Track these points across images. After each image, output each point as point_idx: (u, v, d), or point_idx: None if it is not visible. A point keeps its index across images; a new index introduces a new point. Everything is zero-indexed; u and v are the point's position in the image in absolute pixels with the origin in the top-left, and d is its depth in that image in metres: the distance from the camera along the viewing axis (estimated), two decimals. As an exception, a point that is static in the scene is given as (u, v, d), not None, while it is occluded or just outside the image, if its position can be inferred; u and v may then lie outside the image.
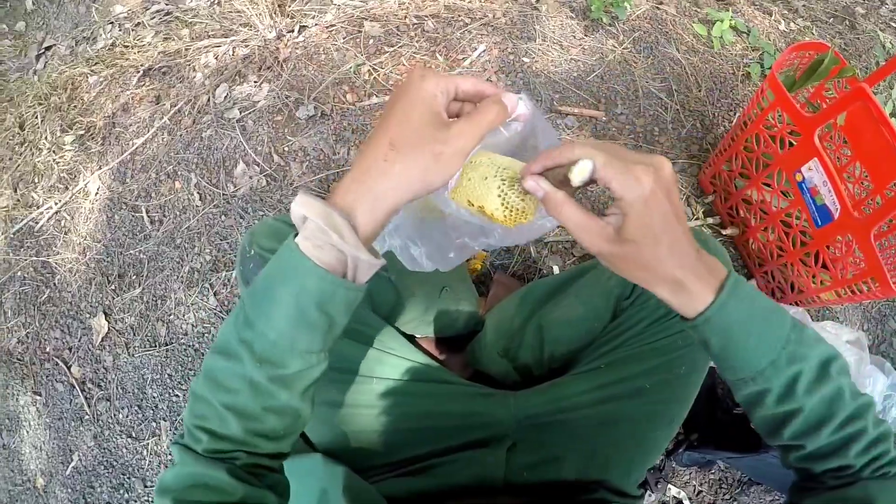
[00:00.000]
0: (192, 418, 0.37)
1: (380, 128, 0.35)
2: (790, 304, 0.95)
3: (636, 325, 0.61)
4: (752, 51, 1.33)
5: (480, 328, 0.82)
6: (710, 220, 1.06)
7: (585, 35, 1.30)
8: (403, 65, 1.20)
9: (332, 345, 0.39)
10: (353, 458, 0.61)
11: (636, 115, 1.17)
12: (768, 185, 0.91)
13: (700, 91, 1.22)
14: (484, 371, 0.78)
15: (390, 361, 0.62)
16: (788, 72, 0.95)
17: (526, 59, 1.25)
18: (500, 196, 0.40)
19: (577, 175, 0.35)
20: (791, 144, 0.82)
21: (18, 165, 1.40)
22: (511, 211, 0.41)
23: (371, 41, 1.25)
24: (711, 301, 0.36)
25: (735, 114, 1.21)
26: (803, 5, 1.47)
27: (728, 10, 1.36)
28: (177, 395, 1.04)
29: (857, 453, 0.38)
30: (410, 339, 0.82)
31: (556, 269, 1.03)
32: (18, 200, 1.35)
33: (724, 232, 1.05)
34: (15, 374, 1.23)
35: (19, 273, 1.28)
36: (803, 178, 0.81)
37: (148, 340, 1.07)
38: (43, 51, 1.62)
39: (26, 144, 1.42)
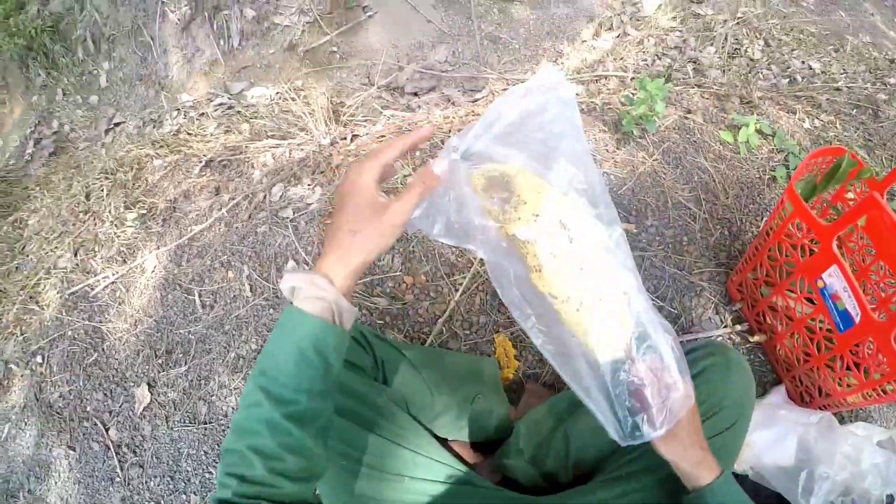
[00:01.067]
0: (224, 468, 0.47)
1: (338, 217, 0.51)
2: (818, 407, 0.98)
3: None
4: (778, 152, 1.41)
5: (510, 434, 0.88)
6: (738, 328, 1.10)
7: (618, 148, 1.39)
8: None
9: (331, 388, 0.50)
10: None
11: (665, 226, 1.23)
12: (792, 292, 0.95)
13: (727, 198, 1.28)
14: (511, 477, 0.85)
15: (423, 462, 0.71)
16: (810, 177, 1.02)
17: None
18: (597, 338, 0.52)
19: None
20: (812, 252, 0.87)
21: (80, 232, 1.58)
22: (592, 348, 0.53)
23: (417, 153, 1.45)
24: (716, 477, 0.57)
25: (762, 218, 1.26)
26: (826, 99, 1.55)
27: (753, 114, 1.45)
28: (210, 472, 1.16)
29: None
30: (443, 442, 0.91)
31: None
32: (77, 265, 1.53)
33: (751, 339, 1.09)
34: (52, 426, 1.35)
35: (70, 333, 1.43)
36: (825, 284, 0.84)
37: (188, 416, 1.21)
38: (112, 126, 1.85)
39: (90, 214, 1.61)
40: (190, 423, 1.20)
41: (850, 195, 1.02)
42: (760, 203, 1.31)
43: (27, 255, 1.68)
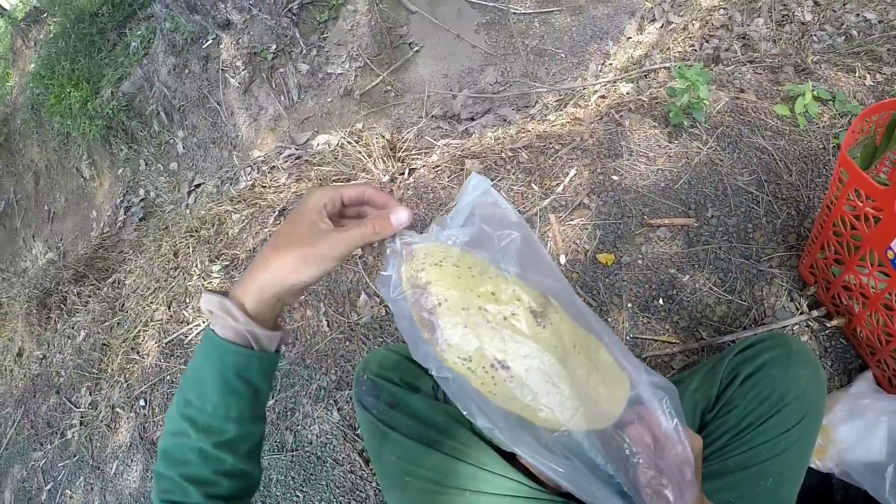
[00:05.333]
0: (159, 494, 0.51)
1: (273, 234, 0.53)
2: None
3: (720, 438, 0.70)
4: (841, 117, 1.43)
5: None
6: (815, 313, 1.12)
7: (670, 142, 1.46)
8: (504, 197, 1.63)
9: (262, 411, 0.54)
10: None
11: (727, 214, 1.27)
12: (864, 268, 0.94)
13: (791, 175, 1.31)
14: None
15: (485, 477, 0.77)
16: (867, 139, 1.01)
17: (615, 177, 1.45)
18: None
19: None
20: (877, 221, 0.86)
21: (172, 287, 1.97)
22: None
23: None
24: None
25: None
26: (887, 50, 1.57)
27: (808, 81, 1.48)
28: (297, 496, 1.42)
29: None
30: (510, 456, 1.02)
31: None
32: (171, 316, 1.90)
33: (830, 323, 1.11)
34: (155, 461, 1.67)
35: (168, 377, 1.79)
36: (895, 254, 0.84)
37: (276, 446, 1.48)
38: (193, 188, 2.29)
39: (179, 269, 2.01)
40: (278, 451, 1.47)
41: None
42: (827, 175, 1.33)
43: (126, 312, 2.11)
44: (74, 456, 1.98)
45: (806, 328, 1.15)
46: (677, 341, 1.19)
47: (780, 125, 1.43)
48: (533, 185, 1.56)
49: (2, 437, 2.34)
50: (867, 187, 0.86)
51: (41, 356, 2.44)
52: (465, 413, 0.52)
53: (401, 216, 0.52)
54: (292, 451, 1.46)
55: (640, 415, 0.52)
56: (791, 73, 1.61)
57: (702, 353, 1.18)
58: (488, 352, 0.50)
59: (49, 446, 2.10)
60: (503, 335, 0.50)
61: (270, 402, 1.55)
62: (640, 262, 1.30)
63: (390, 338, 1.48)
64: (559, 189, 1.50)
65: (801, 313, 1.14)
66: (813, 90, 1.44)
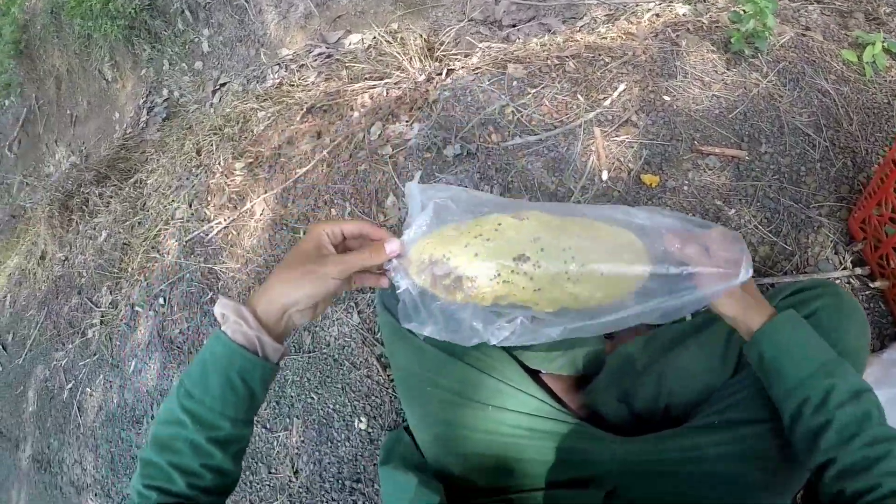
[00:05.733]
0: (142, 480, 0.56)
1: (285, 257, 0.60)
2: None
3: (757, 383, 0.69)
4: None
5: (601, 369, 0.95)
6: (858, 271, 1.11)
7: (728, 69, 1.41)
8: (546, 105, 1.49)
9: (253, 416, 0.60)
10: (459, 479, 0.78)
11: (781, 153, 1.25)
12: None
13: (851, 125, 1.28)
14: (599, 412, 0.90)
15: (508, 392, 0.77)
16: None
17: (667, 98, 1.40)
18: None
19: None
20: None
21: (194, 185, 1.91)
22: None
23: (514, 83, 1.56)
24: (768, 318, 0.63)
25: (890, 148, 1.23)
26: None
27: (880, 31, 1.41)
28: (312, 398, 1.37)
29: (886, 473, 0.52)
30: (534, 374, 0.99)
31: (687, 317, 1.19)
32: (192, 214, 1.84)
33: (872, 284, 1.09)
34: (173, 359, 1.66)
35: (188, 275, 1.74)
36: None
37: (294, 346, 1.42)
38: (218, 87, 2.19)
39: (202, 167, 1.93)
40: (295, 352, 1.41)
41: None
42: (889, 131, 1.28)
43: (147, 211, 2.06)
44: (94, 355, 1.98)
45: (847, 285, 1.13)
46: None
47: (846, 71, 1.37)
48: (578, 96, 1.47)
49: (26, 338, 2.38)
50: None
51: (63, 258, 2.44)
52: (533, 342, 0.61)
53: (393, 245, 0.60)
54: (309, 352, 1.40)
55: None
56: (861, 19, 1.49)
57: (738, 291, 1.12)
58: (505, 259, 0.58)
59: (70, 346, 2.11)
60: (504, 241, 0.59)
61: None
62: (685, 188, 1.26)
63: (420, 239, 1.38)
64: (606, 103, 1.42)
65: (844, 268, 1.13)
66: (884, 41, 1.36)
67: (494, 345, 0.62)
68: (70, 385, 2.04)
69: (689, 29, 1.54)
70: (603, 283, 0.60)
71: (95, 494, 1.80)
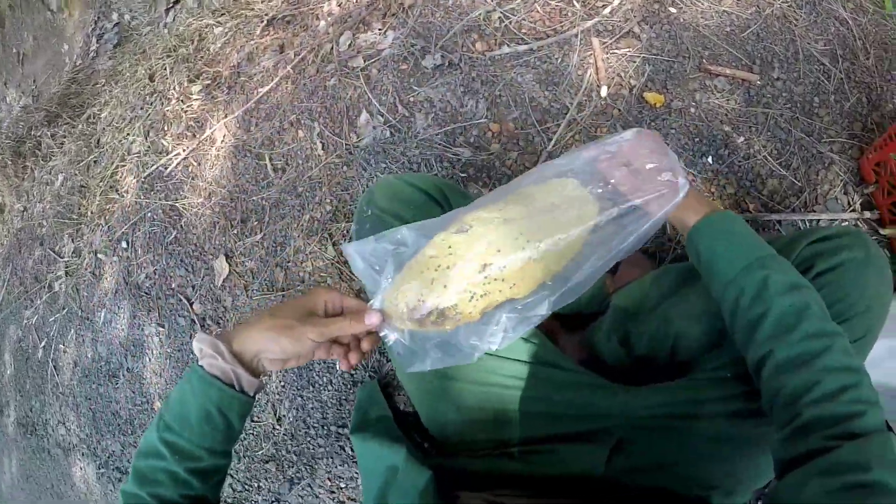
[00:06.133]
0: None
1: (279, 303, 0.59)
2: None
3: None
4: None
5: (605, 309, 0.88)
6: (867, 215, 1.05)
7: None
8: (537, 11, 1.31)
9: (231, 447, 0.61)
10: (458, 432, 0.73)
11: (795, 81, 1.17)
12: None
13: (868, 59, 1.20)
14: (599, 356, 0.85)
15: None
16: None
17: (672, 10, 1.29)
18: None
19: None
20: None
21: (149, 114, 1.73)
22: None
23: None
24: (702, 218, 0.63)
25: None
26: None
27: None
28: (291, 340, 1.26)
29: (825, 369, 0.50)
30: None
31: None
32: (149, 147, 1.68)
33: (881, 231, 1.03)
34: (142, 306, 1.55)
35: (149, 214, 1.60)
36: None
37: (266, 284, 1.31)
38: (171, 4, 1.96)
39: (156, 94, 1.75)
40: (268, 290, 1.29)
41: None
42: None
43: (103, 147, 1.89)
44: (63, 309, 1.88)
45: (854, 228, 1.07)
46: (721, 208, 1.02)
47: (865, 1, 1.26)
48: (574, 3, 1.31)
49: (-6, 299, 2.26)
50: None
51: (22, 209, 2.29)
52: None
53: (372, 318, 0.60)
54: (283, 290, 1.28)
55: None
56: (880, -51, 1.34)
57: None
58: (472, 277, 0.59)
59: (39, 302, 2.00)
60: (462, 262, 0.59)
61: (258, 237, 1.35)
62: (692, 110, 1.17)
63: (395, 164, 1.23)
64: (606, 11, 1.27)
65: (853, 210, 1.08)
66: (906, -26, 1.25)
67: (503, 346, 0.61)
68: (43, 343, 1.95)
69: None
70: (563, 246, 0.62)
71: (83, 454, 1.74)
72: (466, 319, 0.60)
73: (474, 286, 0.59)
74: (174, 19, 1.92)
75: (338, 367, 1.21)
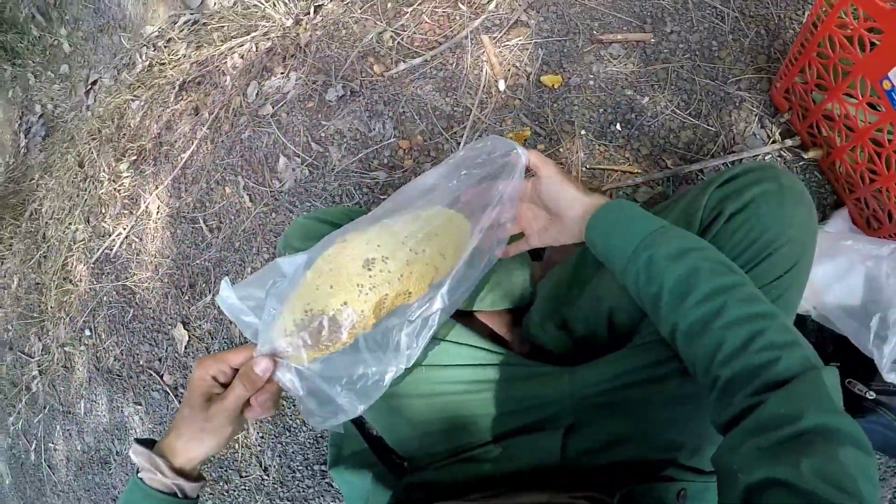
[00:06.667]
0: None
1: (174, 417, 0.60)
2: (888, 236, 0.92)
3: None
4: None
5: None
6: (788, 142, 1.07)
7: None
8: (426, 22, 1.36)
9: None
10: (418, 447, 0.75)
11: (689, 30, 1.20)
12: (852, 97, 0.88)
13: None
14: (541, 345, 0.86)
15: (438, 347, 0.73)
16: None
17: None
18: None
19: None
20: (874, 45, 0.80)
21: (86, 200, 1.77)
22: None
23: (389, 5, 1.42)
24: (591, 216, 0.64)
25: (805, 11, 1.20)
26: None
27: None
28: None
29: (725, 326, 0.50)
30: (469, 316, 0.93)
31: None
32: (92, 232, 1.72)
33: (805, 155, 1.06)
34: (117, 389, 1.58)
35: (105, 298, 1.63)
36: (892, 85, 0.78)
37: (225, 343, 1.34)
38: (90, 86, 2.00)
39: (88, 179, 1.79)
40: (229, 346, 1.33)
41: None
42: None
43: (49, 241, 1.93)
44: (45, 407, 1.90)
45: (778, 158, 1.10)
46: (639, 171, 1.14)
47: None
48: (460, 5, 1.36)
49: (-23, 412, 2.28)
50: (867, 4, 0.77)
51: (-14, 317, 2.32)
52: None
53: (261, 365, 0.56)
54: (244, 342, 1.32)
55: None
56: None
57: (667, 182, 1.11)
58: (358, 273, 0.59)
59: (20, 405, 2.02)
60: (345, 261, 0.60)
61: (208, 299, 1.39)
62: (591, 83, 1.20)
63: (318, 200, 1.28)
64: (491, 7, 1.32)
65: (774, 142, 1.09)
66: None
67: (412, 360, 0.60)
68: (33, 445, 1.97)
69: None
70: (445, 243, 0.64)
71: (94, 549, 1.76)
72: (362, 326, 0.58)
73: (361, 279, 0.58)
74: (95, 100, 1.96)
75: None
